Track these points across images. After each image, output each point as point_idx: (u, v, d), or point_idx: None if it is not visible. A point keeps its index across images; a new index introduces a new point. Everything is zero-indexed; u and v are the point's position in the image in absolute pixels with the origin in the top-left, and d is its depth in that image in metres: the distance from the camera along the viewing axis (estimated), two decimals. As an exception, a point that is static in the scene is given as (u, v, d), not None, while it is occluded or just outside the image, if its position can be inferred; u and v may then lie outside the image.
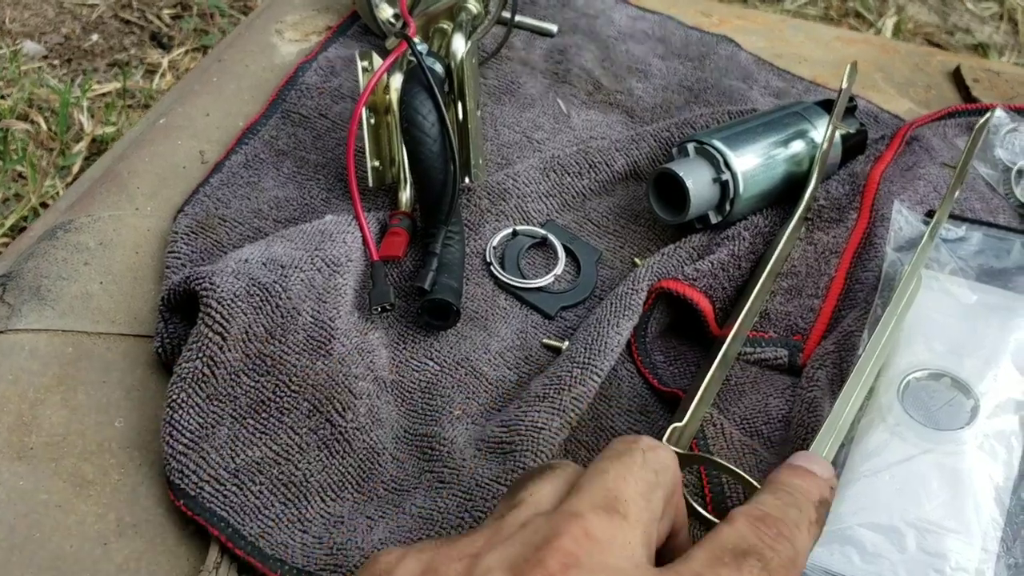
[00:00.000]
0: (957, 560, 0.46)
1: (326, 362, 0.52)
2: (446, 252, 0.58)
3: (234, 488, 0.49)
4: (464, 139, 0.62)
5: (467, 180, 0.64)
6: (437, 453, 0.51)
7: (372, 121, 0.61)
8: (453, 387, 0.55)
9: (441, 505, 0.48)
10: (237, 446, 0.50)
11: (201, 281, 0.51)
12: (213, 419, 0.50)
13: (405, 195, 0.62)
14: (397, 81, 0.60)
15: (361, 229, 0.58)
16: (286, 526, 0.48)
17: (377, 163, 0.62)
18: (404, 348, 0.57)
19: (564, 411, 0.51)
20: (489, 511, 0.47)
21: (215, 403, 0.50)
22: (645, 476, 0.38)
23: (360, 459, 0.51)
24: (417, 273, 0.58)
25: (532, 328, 0.60)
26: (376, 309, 0.55)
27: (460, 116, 0.62)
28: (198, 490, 0.48)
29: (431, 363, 0.56)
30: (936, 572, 0.46)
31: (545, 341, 0.58)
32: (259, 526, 0.48)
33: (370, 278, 0.57)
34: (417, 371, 0.56)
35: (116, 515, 0.49)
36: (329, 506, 0.49)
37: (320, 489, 0.50)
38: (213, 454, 0.49)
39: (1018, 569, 0.47)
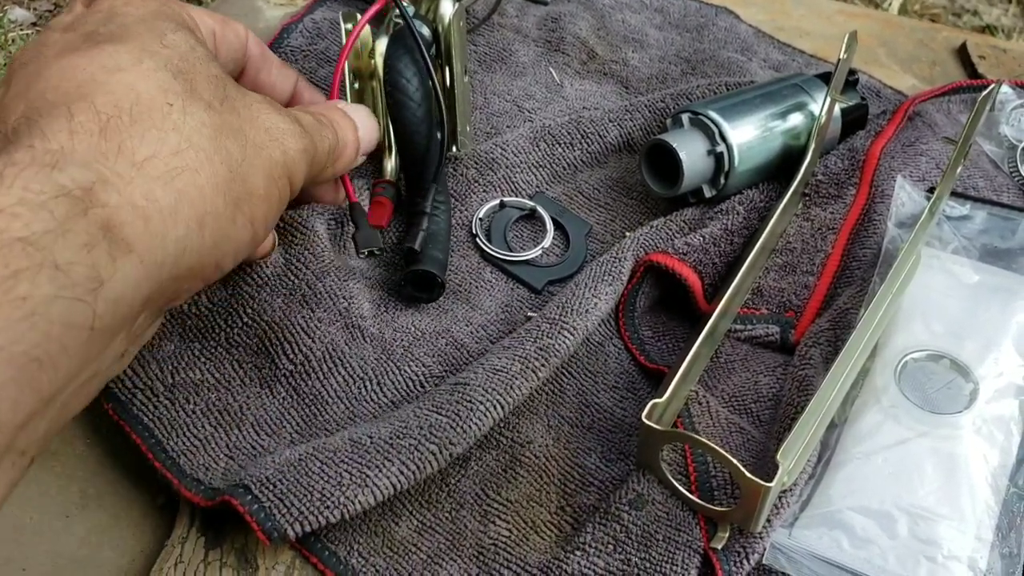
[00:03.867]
0: (950, 548, 0.45)
1: (286, 300, 0.52)
2: (431, 222, 0.56)
3: (166, 402, 0.48)
4: (451, 106, 0.60)
5: (454, 149, 0.62)
6: (397, 413, 0.50)
7: (356, 86, 0.59)
8: (432, 356, 0.53)
9: (373, 431, 0.46)
10: (179, 364, 0.49)
11: None
12: (160, 332, 0.50)
13: (390, 163, 0.60)
14: (382, 45, 0.58)
15: (347, 192, 0.56)
16: (212, 449, 0.47)
17: None
18: (385, 312, 0.55)
19: (527, 358, 0.49)
20: (423, 440, 0.46)
21: (166, 318, 0.50)
22: None
23: (305, 403, 0.50)
24: (407, 234, 0.56)
25: (518, 302, 0.58)
26: (363, 254, 0.52)
27: (447, 82, 0.60)
28: (129, 396, 0.48)
29: (413, 328, 0.54)
30: (928, 560, 0.45)
31: (530, 315, 0.57)
32: (184, 443, 0.47)
33: (350, 222, 0.55)
34: (399, 332, 0.54)
35: (79, 487, 0.47)
36: (263, 440, 0.48)
37: (256, 423, 0.49)
38: (153, 365, 0.49)
39: (1012, 559, 0.46)
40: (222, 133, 0.39)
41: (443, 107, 0.57)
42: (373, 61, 0.58)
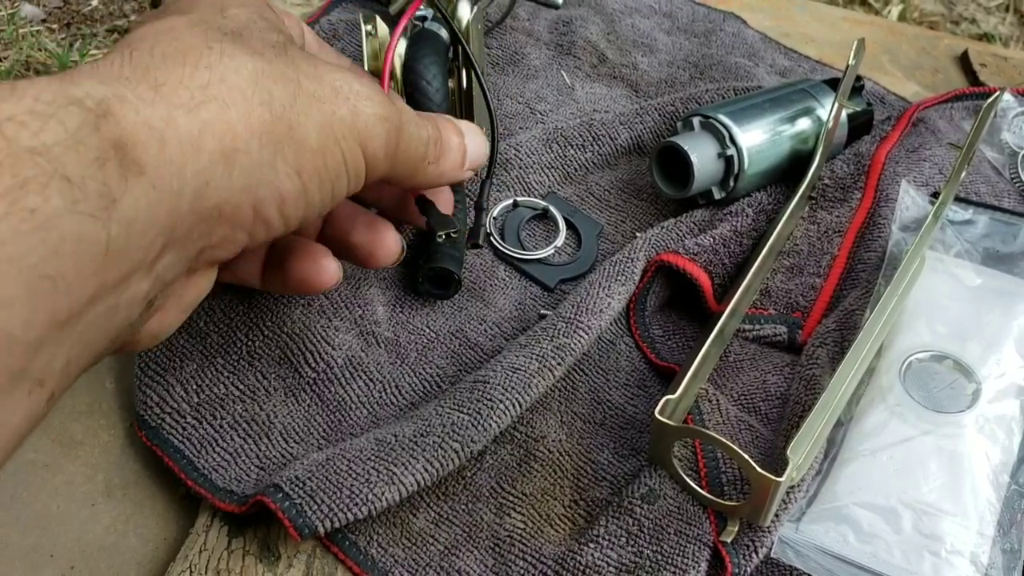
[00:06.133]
0: (952, 543, 0.46)
1: (304, 311, 0.52)
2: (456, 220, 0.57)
3: (193, 421, 0.49)
4: (468, 107, 0.61)
5: None
6: (420, 412, 0.50)
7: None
8: (446, 357, 0.54)
9: (397, 431, 0.47)
10: (203, 382, 0.50)
11: None
12: (182, 353, 0.50)
13: None
14: (401, 47, 0.59)
15: None
16: (242, 462, 0.48)
17: None
18: (400, 312, 0.56)
19: (544, 357, 0.50)
20: (446, 438, 0.47)
21: (185, 338, 0.51)
22: None
23: (330, 409, 0.51)
24: (471, 231, 0.55)
25: (531, 300, 0.59)
26: (441, 236, 0.51)
27: (464, 84, 0.61)
28: (159, 421, 0.48)
29: (427, 330, 0.55)
30: (931, 554, 0.46)
31: (543, 312, 0.58)
32: (215, 459, 0.48)
33: (422, 212, 0.55)
34: (413, 334, 0.55)
35: (104, 476, 0.48)
36: (292, 448, 0.49)
37: (283, 432, 0.49)
38: (177, 387, 0.49)
39: (1013, 554, 0.47)
40: (267, 77, 0.37)
41: (462, 109, 0.58)
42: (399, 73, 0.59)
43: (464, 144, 0.47)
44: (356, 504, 0.43)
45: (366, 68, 0.58)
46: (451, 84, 0.59)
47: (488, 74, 0.74)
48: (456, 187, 0.58)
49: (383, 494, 0.44)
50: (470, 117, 0.61)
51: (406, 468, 0.45)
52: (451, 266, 0.55)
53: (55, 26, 1.47)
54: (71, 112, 0.31)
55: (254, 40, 0.38)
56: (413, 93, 0.55)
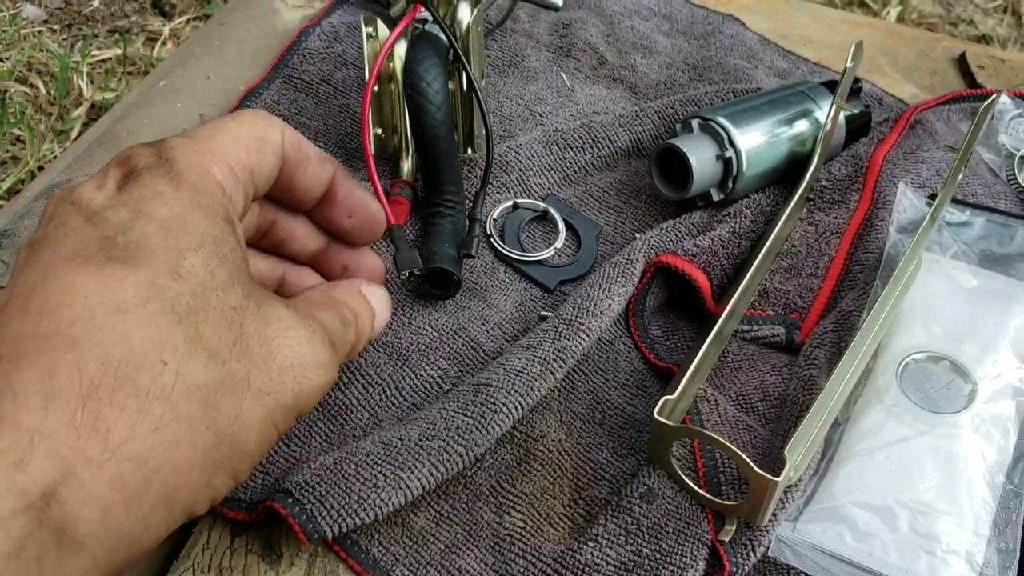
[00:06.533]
0: (948, 542, 0.46)
1: None
2: (447, 222, 0.58)
3: None
4: (468, 109, 0.61)
5: (469, 151, 0.63)
6: (423, 414, 0.51)
7: (375, 89, 0.60)
8: (447, 358, 0.55)
9: (403, 434, 0.47)
10: None
11: None
12: None
13: (407, 164, 0.62)
14: (401, 49, 0.59)
15: (377, 195, 0.57)
16: None
17: (379, 131, 0.61)
18: (401, 314, 0.56)
19: (545, 360, 0.51)
20: (451, 442, 0.47)
21: None
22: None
23: (331, 413, 0.51)
24: (465, 240, 0.57)
25: (531, 301, 0.59)
26: (404, 275, 0.54)
27: (464, 86, 0.61)
28: None
29: (429, 330, 0.56)
30: (927, 553, 0.46)
31: (543, 313, 0.58)
32: None
33: (391, 243, 0.56)
34: (414, 335, 0.55)
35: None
36: (295, 451, 0.49)
37: (286, 436, 0.50)
38: None
39: (1008, 553, 0.47)
40: (218, 392, 0.36)
41: (460, 111, 0.59)
42: (391, 64, 0.60)
43: (373, 328, 0.47)
44: (364, 509, 0.44)
45: (366, 71, 0.58)
46: (451, 86, 0.59)
47: (488, 76, 0.74)
48: (455, 188, 0.59)
49: (390, 499, 0.44)
50: (469, 119, 0.62)
51: (412, 472, 0.45)
52: (450, 266, 0.55)
53: (56, 27, 1.47)
54: (17, 519, 0.30)
55: (210, 324, 0.36)
56: (413, 95, 0.56)
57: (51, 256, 0.35)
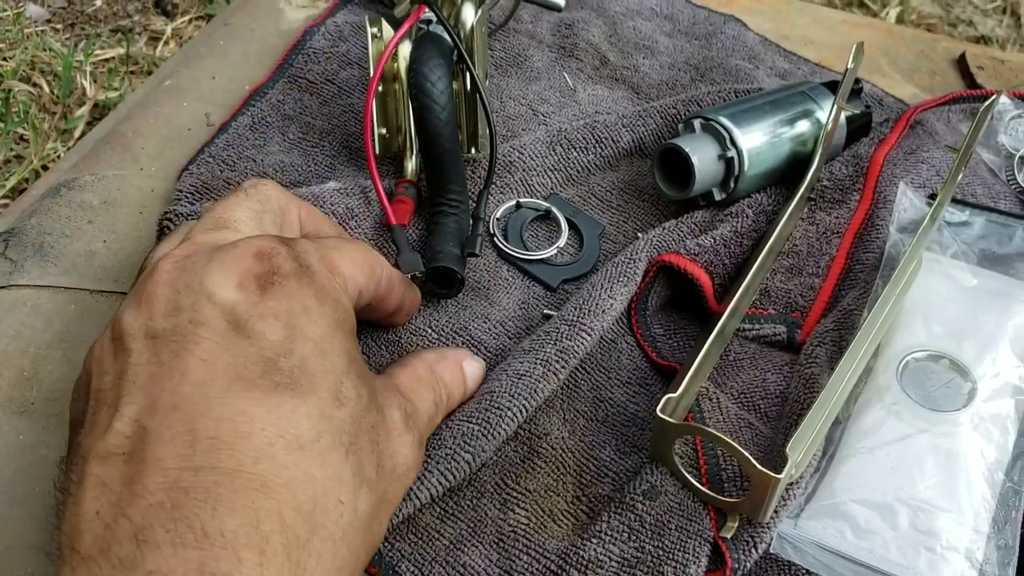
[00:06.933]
0: (948, 539, 0.47)
1: None
2: (451, 221, 0.58)
3: None
4: (472, 110, 0.62)
5: (473, 151, 0.64)
6: None
7: (380, 89, 0.61)
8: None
9: None
10: None
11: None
12: None
13: (411, 164, 0.62)
14: (406, 49, 0.59)
15: (378, 195, 0.57)
16: None
17: (384, 131, 0.62)
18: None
19: (548, 362, 0.51)
20: (458, 450, 0.48)
21: None
22: (250, 204, 0.43)
23: None
24: (468, 240, 0.58)
25: (534, 299, 0.60)
26: (406, 277, 0.54)
27: (468, 86, 0.62)
28: None
29: (429, 331, 0.56)
30: (927, 550, 0.46)
31: (547, 312, 0.59)
32: None
33: (392, 244, 0.57)
34: (415, 335, 0.56)
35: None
36: None
37: None
38: None
39: (1008, 550, 0.47)
40: (374, 518, 0.39)
41: (465, 111, 0.59)
42: (396, 64, 0.60)
43: (465, 394, 0.51)
44: None
45: (371, 71, 0.59)
46: (455, 87, 0.60)
47: (491, 76, 0.74)
48: (459, 187, 0.59)
49: (401, 510, 0.45)
50: (473, 119, 0.62)
51: (421, 483, 0.46)
52: (454, 265, 0.56)
53: (59, 26, 1.47)
54: None
55: (365, 454, 0.38)
56: (417, 95, 0.56)
57: (203, 369, 0.34)
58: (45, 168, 1.20)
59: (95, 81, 1.34)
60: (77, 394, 0.39)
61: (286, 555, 0.32)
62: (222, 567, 0.31)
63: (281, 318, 0.37)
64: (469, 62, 0.58)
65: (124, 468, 0.33)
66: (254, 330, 0.36)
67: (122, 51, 1.40)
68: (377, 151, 0.61)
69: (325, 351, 0.37)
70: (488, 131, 0.58)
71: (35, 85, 1.32)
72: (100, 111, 1.30)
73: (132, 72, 1.38)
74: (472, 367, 0.51)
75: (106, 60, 1.39)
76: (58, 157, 1.21)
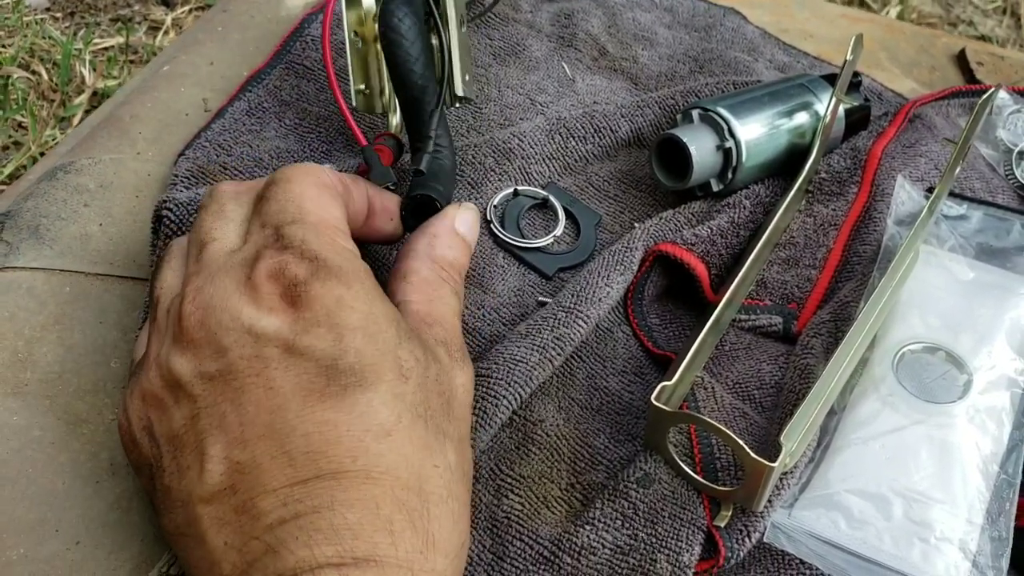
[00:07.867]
0: (942, 530, 0.47)
1: None
2: (435, 161, 0.54)
3: None
4: (448, 54, 0.59)
5: (457, 105, 0.61)
6: None
7: (360, 46, 0.59)
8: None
9: None
10: None
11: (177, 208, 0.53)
12: None
13: (394, 119, 0.61)
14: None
15: (344, 117, 0.55)
16: None
17: (363, 86, 0.60)
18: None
19: (544, 348, 0.51)
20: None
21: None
22: (215, 210, 0.44)
23: None
24: (413, 158, 0.54)
25: (529, 287, 0.60)
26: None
27: (443, 32, 0.58)
28: None
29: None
30: (921, 541, 0.46)
31: (542, 299, 0.59)
32: None
33: (364, 162, 0.54)
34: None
35: (109, 454, 0.49)
36: None
37: None
38: None
39: (1001, 541, 0.47)
40: (463, 461, 0.41)
41: (446, 53, 0.57)
42: (375, 24, 0.59)
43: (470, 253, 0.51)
44: None
45: (347, 29, 0.58)
46: (435, 43, 0.57)
47: (489, 65, 0.74)
48: (440, 131, 0.56)
49: None
50: (449, 60, 0.59)
51: None
52: (433, 193, 0.52)
53: (59, 14, 1.47)
54: None
55: (440, 417, 0.40)
56: (385, 32, 0.54)
57: (273, 396, 0.37)
58: (43, 155, 1.19)
59: (94, 70, 1.34)
60: (130, 440, 0.41)
61: (412, 528, 0.35)
62: (359, 551, 0.34)
63: (323, 323, 0.38)
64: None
65: (233, 500, 0.36)
66: (304, 346, 0.37)
67: (121, 40, 1.40)
68: (355, 104, 0.60)
69: (372, 333, 0.39)
70: (446, 50, 0.56)
71: (34, 73, 1.31)
72: (99, 99, 1.30)
73: (131, 61, 1.38)
74: (465, 223, 0.50)
75: (105, 49, 1.39)
76: (56, 144, 1.21)
